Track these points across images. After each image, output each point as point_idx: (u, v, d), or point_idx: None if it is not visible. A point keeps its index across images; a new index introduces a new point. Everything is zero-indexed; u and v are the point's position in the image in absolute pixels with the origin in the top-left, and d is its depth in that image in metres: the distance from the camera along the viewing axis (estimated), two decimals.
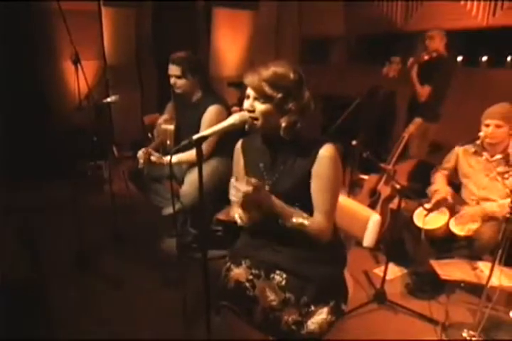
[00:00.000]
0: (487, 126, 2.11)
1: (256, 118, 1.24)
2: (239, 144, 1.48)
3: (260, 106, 1.23)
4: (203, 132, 1.14)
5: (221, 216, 2.42)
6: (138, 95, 4.76)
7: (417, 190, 2.89)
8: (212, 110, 2.27)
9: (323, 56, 5.29)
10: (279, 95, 1.21)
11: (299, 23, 5.16)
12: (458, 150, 2.36)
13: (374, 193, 2.76)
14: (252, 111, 1.24)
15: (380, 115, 3.94)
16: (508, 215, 1.70)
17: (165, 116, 2.60)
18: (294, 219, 1.25)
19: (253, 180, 1.19)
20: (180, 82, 2.27)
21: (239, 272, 1.38)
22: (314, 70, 4.87)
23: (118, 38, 4.50)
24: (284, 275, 1.33)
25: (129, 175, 2.56)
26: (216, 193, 2.11)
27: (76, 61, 2.59)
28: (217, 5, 4.75)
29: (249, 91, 1.25)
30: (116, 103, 2.39)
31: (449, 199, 2.24)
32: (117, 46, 4.53)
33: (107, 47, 4.42)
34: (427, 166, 3.03)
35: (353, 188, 3.19)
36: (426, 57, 3.09)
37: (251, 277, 1.36)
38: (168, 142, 2.43)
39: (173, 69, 2.25)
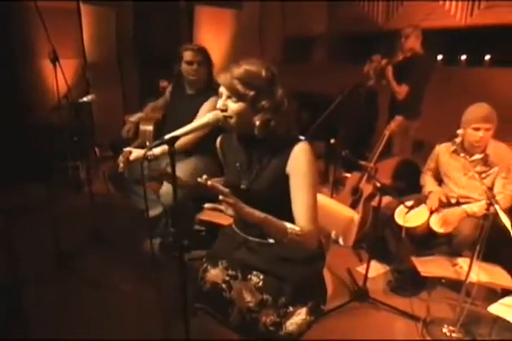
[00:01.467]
0: (477, 129, 2.08)
1: (230, 117, 1.23)
2: (217, 142, 1.47)
3: (233, 105, 1.22)
4: (175, 132, 1.12)
5: (203, 216, 2.40)
6: (120, 94, 4.69)
7: (400, 187, 2.93)
8: (214, 100, 2.28)
9: (306, 55, 5.30)
10: (252, 93, 1.19)
11: (282, 22, 5.17)
12: (437, 149, 2.39)
13: (356, 191, 2.77)
14: (225, 110, 1.22)
15: (362, 113, 3.98)
16: (485, 212, 1.74)
17: (139, 115, 2.57)
18: (289, 230, 1.20)
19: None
20: (200, 68, 2.37)
21: (215, 273, 1.37)
22: (297, 69, 4.92)
23: (98, 36, 4.42)
24: (261, 276, 1.31)
25: (109, 176, 2.52)
26: (197, 193, 2.09)
27: (54, 59, 2.53)
28: (200, 3, 4.71)
29: (222, 90, 1.23)
30: (94, 102, 2.34)
31: (443, 199, 2.27)
32: (98, 45, 4.45)
33: (87, 46, 4.33)
34: (410, 164, 3.08)
35: (337, 186, 3.21)
36: (400, 57, 3.09)
37: (227, 278, 1.34)
38: (148, 143, 2.40)
39: (196, 56, 2.37)
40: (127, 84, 4.71)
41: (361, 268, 2.47)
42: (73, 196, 3.43)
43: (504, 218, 1.62)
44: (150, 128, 2.45)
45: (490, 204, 1.70)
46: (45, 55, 2.65)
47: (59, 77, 2.48)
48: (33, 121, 3.68)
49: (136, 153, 2.11)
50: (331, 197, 3.12)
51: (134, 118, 2.60)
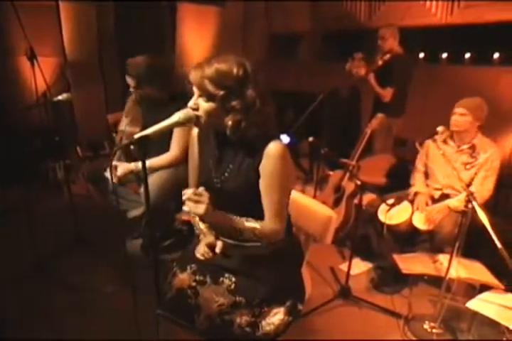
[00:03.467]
0: (454, 114, 2.22)
1: (200, 116, 1.20)
2: (195, 133, 1.42)
3: (204, 104, 1.19)
4: (145, 131, 1.10)
5: (185, 216, 2.38)
6: (102, 93, 4.62)
7: (384, 185, 2.95)
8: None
9: (291, 53, 5.29)
10: (222, 93, 1.16)
11: (266, 20, 5.14)
12: (428, 143, 2.41)
13: (339, 189, 2.77)
14: (197, 108, 1.20)
15: (346, 112, 4.00)
16: (464, 209, 1.75)
17: (128, 118, 2.50)
18: (247, 226, 1.24)
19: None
20: (138, 91, 2.17)
21: (183, 278, 1.34)
22: (282, 67, 4.90)
23: (78, 34, 4.33)
24: (233, 279, 1.29)
25: (89, 176, 2.47)
26: (178, 192, 2.07)
27: (31, 57, 2.48)
28: (183, 0, 4.66)
29: (194, 88, 1.21)
30: (73, 101, 2.28)
31: (429, 202, 2.31)
32: (78, 43, 4.36)
33: (67, 44, 4.25)
34: (393, 161, 3.10)
35: (322, 184, 3.22)
36: (380, 62, 3.09)
37: (194, 284, 1.31)
38: (132, 147, 2.34)
39: (128, 80, 2.14)
40: (109, 83, 4.64)
41: (344, 266, 2.47)
42: (54, 197, 3.37)
43: (481, 214, 1.63)
44: (137, 131, 2.39)
45: (468, 201, 1.72)
46: (23, 52, 2.60)
47: (38, 75, 2.43)
48: (11, 120, 3.60)
49: (122, 167, 2.09)
50: (315, 194, 3.12)
51: (122, 126, 2.48)
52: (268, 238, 1.27)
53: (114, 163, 2.07)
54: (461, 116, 2.19)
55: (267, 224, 1.26)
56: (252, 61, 1.24)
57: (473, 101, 2.21)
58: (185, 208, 1.16)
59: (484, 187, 2.18)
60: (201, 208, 1.14)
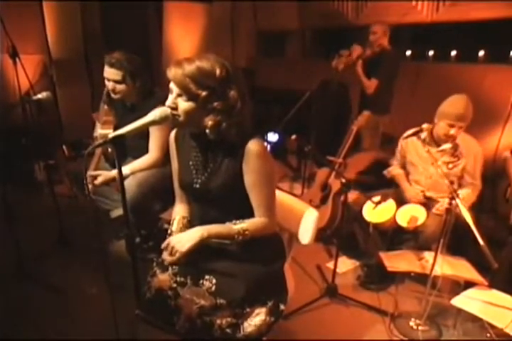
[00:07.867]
0: (451, 126, 2.07)
1: (178, 116, 1.17)
2: (172, 134, 1.40)
3: (183, 104, 1.16)
4: (120, 130, 1.07)
5: (169, 216, 2.35)
6: (87, 91, 4.55)
7: (370, 182, 2.94)
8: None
9: (280, 49, 5.28)
10: (204, 93, 1.13)
11: (254, 16, 5.11)
12: (403, 142, 2.39)
13: (326, 187, 2.77)
14: (175, 108, 1.16)
15: (333, 109, 4.00)
16: (447, 207, 1.75)
17: (100, 123, 2.41)
18: (236, 229, 1.25)
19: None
20: (120, 87, 2.07)
21: (163, 278, 1.32)
22: (270, 63, 4.87)
23: (63, 31, 4.25)
24: (214, 281, 1.27)
25: (72, 177, 2.42)
26: (161, 192, 2.04)
27: (13, 55, 2.42)
28: None
29: (172, 86, 1.17)
30: (48, 100, 2.22)
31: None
32: (63, 40, 4.28)
33: (51, 42, 4.17)
34: (380, 159, 3.09)
35: (310, 182, 3.21)
36: (368, 52, 3.17)
37: (175, 285, 1.29)
38: (110, 150, 2.28)
39: (112, 74, 2.04)
40: (95, 81, 4.57)
41: (331, 264, 2.47)
42: (38, 197, 3.31)
43: (465, 212, 1.63)
44: (110, 131, 2.34)
45: (452, 199, 1.72)
46: (5, 50, 2.54)
47: (21, 73, 2.37)
48: None
49: (102, 176, 2.03)
50: (302, 192, 3.12)
51: (96, 132, 2.44)
52: (262, 233, 1.29)
53: (95, 172, 2.02)
54: (460, 129, 2.07)
55: (259, 219, 1.28)
56: (241, 59, 1.22)
57: (468, 109, 2.06)
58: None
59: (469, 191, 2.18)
60: (177, 255, 1.22)
